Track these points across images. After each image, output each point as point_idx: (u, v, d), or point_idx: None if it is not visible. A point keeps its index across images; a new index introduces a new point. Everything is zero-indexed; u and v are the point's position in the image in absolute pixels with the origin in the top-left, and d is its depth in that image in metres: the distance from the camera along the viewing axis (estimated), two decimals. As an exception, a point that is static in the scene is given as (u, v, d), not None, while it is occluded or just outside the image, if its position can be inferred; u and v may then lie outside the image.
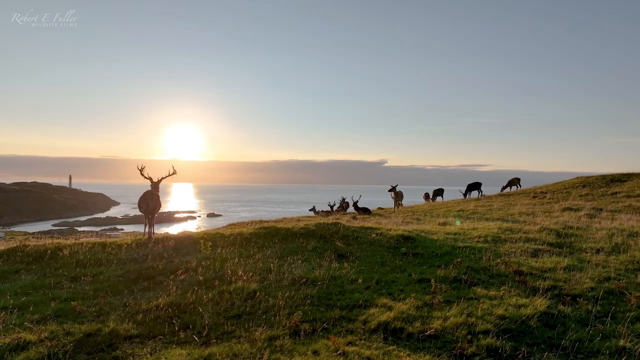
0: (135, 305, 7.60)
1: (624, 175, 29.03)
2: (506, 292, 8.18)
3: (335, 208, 30.61)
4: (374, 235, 13.04)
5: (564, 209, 21.46)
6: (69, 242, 11.98)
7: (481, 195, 33.58)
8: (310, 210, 30.11)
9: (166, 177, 14.07)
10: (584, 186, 28.17)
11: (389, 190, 27.92)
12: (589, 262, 10.47)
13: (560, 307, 7.36)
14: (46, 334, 6.43)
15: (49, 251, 11.02)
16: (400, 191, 27.92)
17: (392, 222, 18.99)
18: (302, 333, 6.55)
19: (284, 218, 26.94)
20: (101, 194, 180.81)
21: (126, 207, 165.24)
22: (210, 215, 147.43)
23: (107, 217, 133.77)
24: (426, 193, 37.15)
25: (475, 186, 34.38)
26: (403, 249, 11.60)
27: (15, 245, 11.62)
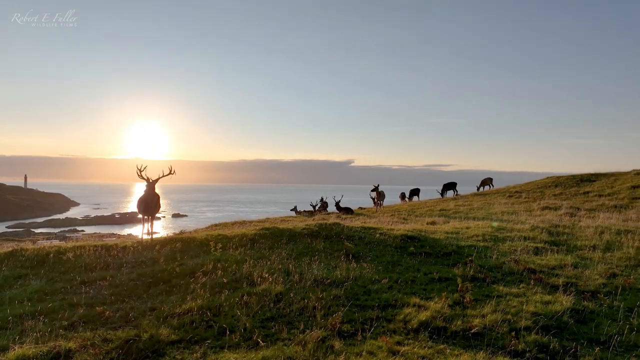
0: (164, 310, 7.42)
1: (592, 175, 30.40)
2: (527, 289, 8.47)
3: (317, 208, 30.64)
4: (377, 235, 13.18)
5: (543, 208, 22.30)
6: (69, 245, 11.54)
7: (456, 194, 34.44)
8: (291, 210, 30.04)
9: (162, 176, 13.68)
10: (556, 186, 29.34)
11: (372, 190, 28.21)
12: (589, 259, 10.96)
13: (584, 303, 7.70)
14: (84, 341, 6.20)
15: (51, 255, 10.58)
16: (382, 191, 28.28)
17: (380, 221, 19.19)
18: (346, 334, 6.59)
19: (267, 218, 26.73)
20: (59, 194, 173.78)
21: (87, 208, 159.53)
22: (176, 216, 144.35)
23: (67, 218, 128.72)
24: (402, 193, 37.70)
25: (450, 186, 35.24)
26: (411, 248, 11.79)
27: (11, 249, 11.11)
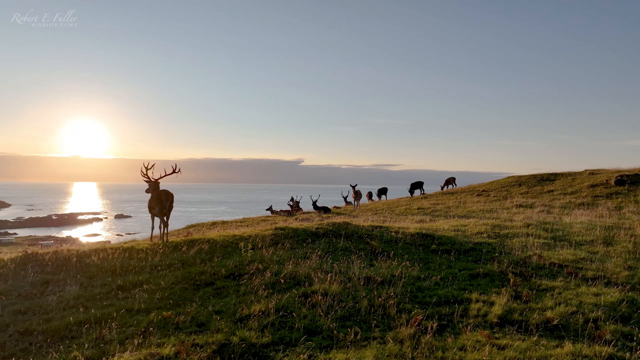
0: (243, 312, 7.23)
1: (550, 175, 32.37)
2: (566, 282, 8.97)
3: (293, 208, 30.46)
4: (392, 233, 13.42)
5: (518, 206, 23.51)
6: (85, 248, 10.90)
7: (423, 193, 35.54)
8: (267, 209, 29.75)
9: (166, 175, 13.14)
10: (520, 185, 30.99)
11: (352, 187, 28.59)
12: (598, 253, 11.72)
13: (629, 294, 8.27)
14: (178, 347, 5.96)
15: (74, 259, 9.96)
16: (359, 190, 28.74)
17: (370, 220, 19.52)
18: (431, 330, 6.72)
19: (245, 218, 26.34)
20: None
21: (19, 209, 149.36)
22: (119, 217, 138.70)
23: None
24: (369, 192, 38.38)
25: (417, 185, 36.33)
26: (433, 246, 12.13)
27: (22, 253, 10.32)
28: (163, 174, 13.05)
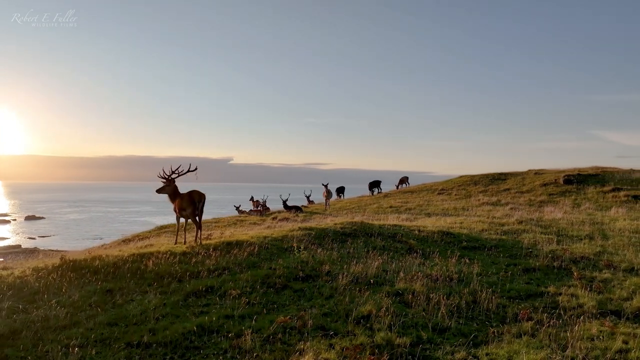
0: (342, 314, 7.20)
1: (500, 174, 34.64)
2: (611, 274, 9.78)
3: (258, 207, 29.98)
4: (416, 232, 13.79)
5: (486, 204, 24.93)
6: (125, 254, 10.09)
7: (380, 192, 36.59)
8: (236, 209, 29.03)
9: (182, 174, 12.52)
10: (475, 184, 32.87)
11: (325, 186, 28.82)
12: (605, 246, 12.87)
13: (677, 283, 9.25)
14: (348, 352, 5.82)
15: (127, 265, 9.20)
16: (330, 189, 29.03)
17: (358, 218, 19.80)
18: (542, 323, 7.09)
19: (219, 219, 25.55)
20: None
21: None
22: (30, 218, 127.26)
23: None
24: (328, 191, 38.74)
25: (376, 184, 37.38)
26: (464, 243, 12.66)
27: (60, 260, 9.35)
28: (181, 173, 12.44)
